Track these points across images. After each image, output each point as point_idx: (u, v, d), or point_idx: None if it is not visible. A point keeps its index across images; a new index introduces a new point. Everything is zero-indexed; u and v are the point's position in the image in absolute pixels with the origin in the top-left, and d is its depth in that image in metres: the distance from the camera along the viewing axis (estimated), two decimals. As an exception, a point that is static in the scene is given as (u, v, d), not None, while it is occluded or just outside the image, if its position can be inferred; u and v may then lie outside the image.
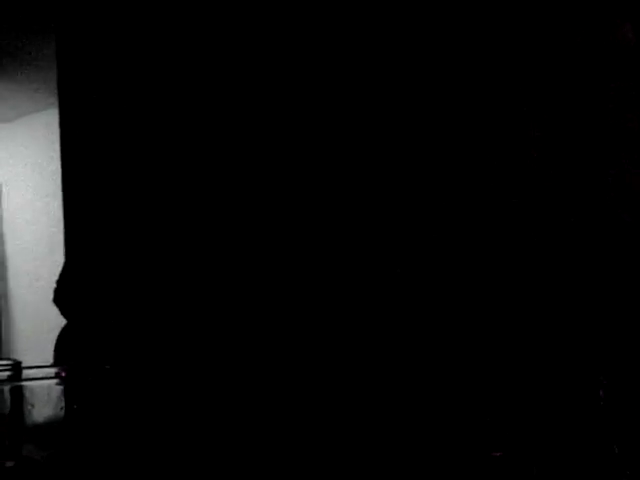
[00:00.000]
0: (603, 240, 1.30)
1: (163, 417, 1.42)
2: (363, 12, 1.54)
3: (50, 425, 0.95)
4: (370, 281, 1.46)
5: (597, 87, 1.33)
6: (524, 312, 1.32)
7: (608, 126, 1.32)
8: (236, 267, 1.61)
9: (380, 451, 1.30)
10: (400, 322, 1.41)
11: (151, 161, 1.79)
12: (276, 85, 1.62)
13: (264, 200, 1.61)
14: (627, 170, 1.30)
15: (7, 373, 1.01)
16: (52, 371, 1.02)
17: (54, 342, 1.71)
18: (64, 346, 1.69)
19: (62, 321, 1.74)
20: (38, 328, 3.82)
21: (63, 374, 0.99)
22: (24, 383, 0.96)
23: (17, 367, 1.03)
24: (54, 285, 1.79)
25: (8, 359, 1.05)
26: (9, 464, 0.93)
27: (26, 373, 1.01)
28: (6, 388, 0.94)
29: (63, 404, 0.95)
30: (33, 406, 0.94)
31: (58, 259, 2.02)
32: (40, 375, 1.00)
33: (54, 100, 2.20)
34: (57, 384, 0.96)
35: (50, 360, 1.67)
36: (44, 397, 0.95)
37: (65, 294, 1.76)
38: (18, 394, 0.94)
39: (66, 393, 0.95)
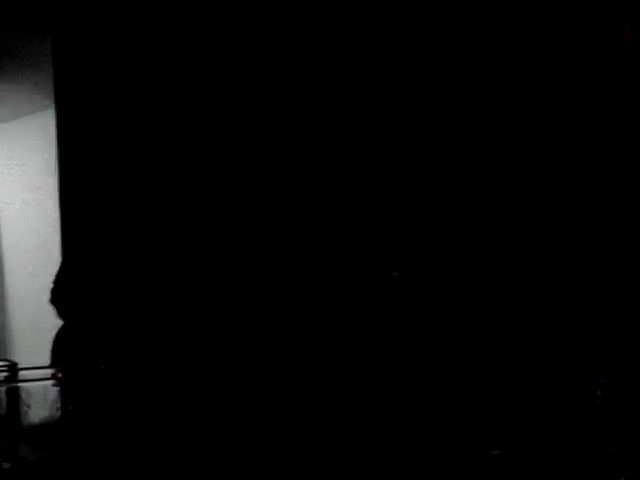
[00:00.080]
0: (600, 239, 1.30)
1: (160, 418, 1.42)
2: (363, 12, 1.54)
3: (46, 426, 0.95)
4: (367, 284, 1.46)
5: (596, 86, 1.33)
6: (522, 312, 1.32)
7: (607, 125, 1.32)
8: (233, 268, 1.61)
9: (379, 450, 1.30)
10: (397, 324, 1.41)
11: (148, 161, 1.79)
12: (276, 85, 1.62)
13: (262, 202, 1.61)
14: (625, 168, 1.30)
15: (3, 374, 1.00)
16: (48, 372, 1.02)
17: (51, 343, 1.71)
18: (61, 347, 1.69)
19: (59, 322, 1.74)
20: (35, 329, 3.82)
21: (59, 375, 0.99)
22: (20, 384, 0.96)
23: (13, 368, 1.03)
24: (51, 285, 1.79)
25: (4, 360, 1.05)
26: (5, 465, 0.92)
27: (22, 374, 1.01)
28: (2, 389, 0.94)
29: (59, 405, 0.95)
30: (29, 407, 0.94)
31: (55, 259, 2.02)
32: (36, 376, 0.99)
33: (51, 101, 2.19)
34: (53, 385, 0.96)
35: (46, 361, 1.67)
36: (40, 398, 0.94)
37: (62, 294, 1.76)
38: (14, 395, 0.94)
39: (62, 394, 0.95)
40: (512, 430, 1.20)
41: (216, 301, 1.61)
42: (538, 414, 1.20)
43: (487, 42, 1.41)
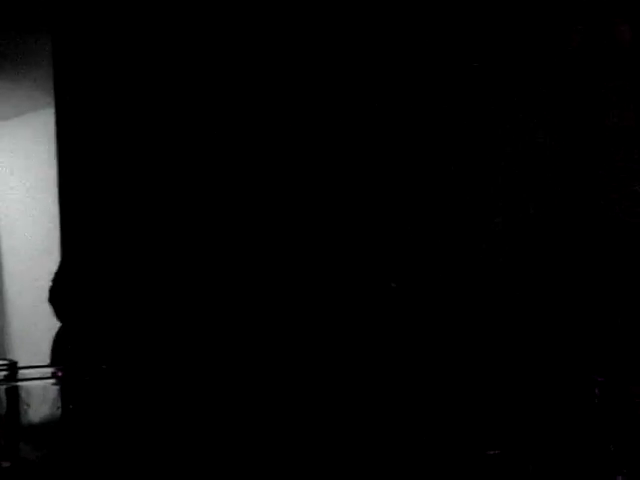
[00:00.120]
0: (600, 239, 1.30)
1: (161, 417, 1.42)
2: (363, 12, 1.54)
3: (46, 425, 0.95)
4: (365, 295, 1.46)
5: (595, 87, 1.33)
6: (519, 312, 1.33)
7: (606, 126, 1.32)
8: (234, 273, 1.61)
9: (377, 450, 1.30)
10: (396, 334, 1.41)
11: (149, 159, 1.79)
12: (276, 85, 1.62)
13: (263, 209, 1.61)
14: (625, 170, 1.30)
15: (3, 373, 1.00)
16: (48, 371, 1.02)
17: (50, 342, 1.71)
18: (60, 346, 1.69)
19: (58, 321, 1.74)
20: (34, 328, 3.82)
21: (59, 374, 0.99)
22: (20, 383, 0.96)
23: (13, 367, 1.03)
24: (50, 284, 1.79)
25: (4, 359, 1.05)
26: (5, 465, 0.93)
27: (22, 373, 1.01)
28: (2, 388, 0.94)
29: (60, 404, 0.95)
30: (29, 406, 0.94)
31: (54, 258, 2.02)
32: (36, 375, 0.99)
33: (50, 99, 2.19)
34: (53, 384, 0.96)
35: (46, 360, 1.67)
36: (40, 397, 0.94)
37: (61, 293, 1.76)
38: (14, 394, 0.94)
39: (63, 393, 0.95)
40: (510, 429, 1.20)
41: (216, 301, 1.61)
42: (536, 413, 1.20)
43: (486, 43, 1.41)
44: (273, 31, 1.62)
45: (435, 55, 1.45)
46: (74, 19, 1.98)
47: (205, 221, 1.68)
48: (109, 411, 0.99)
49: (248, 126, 1.65)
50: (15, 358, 1.07)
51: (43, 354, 1.71)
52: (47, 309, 1.75)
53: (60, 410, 0.95)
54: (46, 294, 1.76)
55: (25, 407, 0.94)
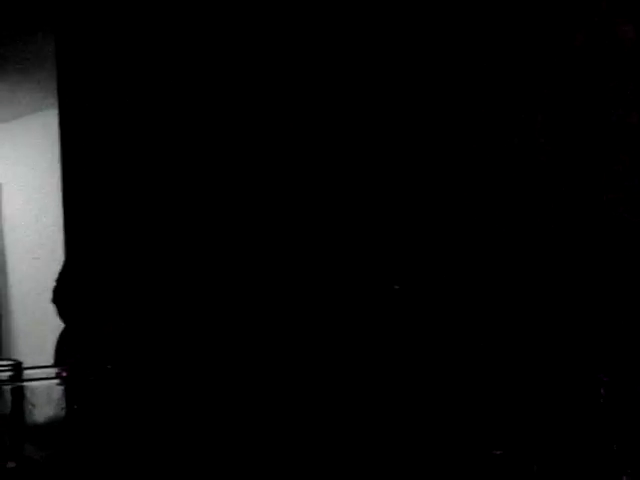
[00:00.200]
0: (603, 238, 1.30)
1: (165, 417, 1.42)
2: (363, 12, 1.54)
3: (51, 425, 0.95)
4: (368, 297, 1.46)
5: (598, 86, 1.33)
6: (525, 311, 1.32)
7: (608, 124, 1.32)
8: (236, 273, 1.61)
9: (381, 450, 1.30)
10: (399, 335, 1.41)
11: (151, 161, 1.79)
12: (276, 85, 1.62)
13: (265, 212, 1.61)
14: (628, 168, 1.30)
15: (8, 373, 1.01)
16: (53, 371, 1.02)
17: (55, 343, 1.71)
18: (65, 346, 1.69)
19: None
20: (39, 328, 3.82)
21: (64, 374, 1.00)
22: (25, 383, 0.96)
23: (18, 367, 1.03)
24: (53, 284, 1.79)
25: (9, 359, 1.05)
26: (10, 465, 0.93)
27: (27, 373, 1.01)
28: (7, 388, 0.95)
29: (64, 404, 0.95)
30: (34, 406, 0.94)
31: (58, 259, 2.02)
32: (41, 375, 1.00)
33: (54, 100, 2.20)
34: (58, 384, 0.96)
35: (51, 360, 1.67)
36: (45, 397, 0.95)
37: (64, 293, 1.76)
38: (19, 394, 0.94)
39: (67, 393, 0.95)
40: (515, 429, 1.20)
41: (221, 301, 1.61)
42: (541, 413, 1.20)
43: (487, 43, 1.41)
44: (275, 33, 1.62)
45: (441, 54, 1.45)
46: (77, 21, 1.99)
47: (210, 222, 1.68)
48: (114, 411, 0.99)
49: (252, 129, 1.65)
50: (20, 358, 1.07)
51: (48, 354, 1.72)
52: (51, 310, 1.75)
53: (65, 410, 0.95)
54: (50, 295, 1.76)
55: (30, 407, 0.94)
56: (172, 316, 1.64)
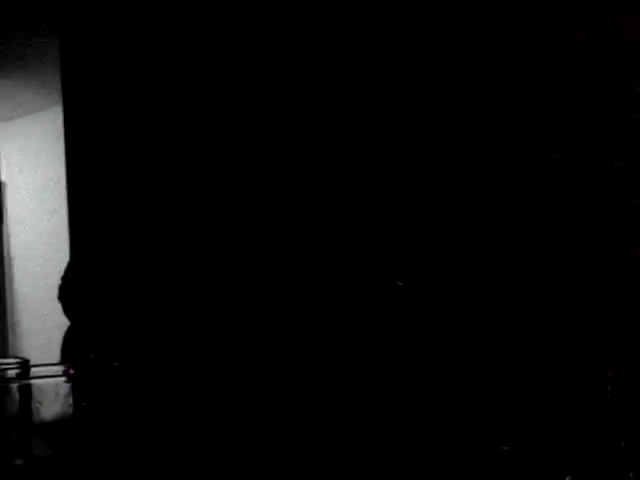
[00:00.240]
0: (611, 235, 1.30)
1: (171, 414, 1.42)
2: (363, 12, 1.53)
3: (58, 423, 0.95)
4: (371, 294, 1.46)
5: (602, 82, 1.33)
6: (531, 307, 1.32)
7: (614, 121, 1.32)
8: (239, 273, 1.61)
9: (388, 445, 1.30)
10: (403, 330, 1.41)
11: (155, 158, 1.80)
12: (276, 85, 1.62)
13: (269, 208, 1.61)
14: (635, 165, 1.30)
15: (15, 371, 1.01)
16: (60, 369, 1.02)
17: (61, 340, 1.72)
18: (71, 344, 1.69)
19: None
20: (45, 326, 3.83)
21: (71, 372, 1.00)
22: (32, 381, 0.96)
23: (25, 365, 1.03)
24: (59, 282, 1.79)
25: (16, 357, 1.05)
26: (18, 462, 0.93)
27: (34, 371, 1.01)
28: (14, 386, 0.95)
29: (71, 402, 0.95)
30: (41, 404, 0.94)
31: (63, 257, 2.02)
32: (48, 373, 1.00)
33: (58, 98, 2.20)
34: (65, 382, 0.96)
35: (57, 358, 1.68)
36: (52, 395, 0.95)
37: (70, 291, 1.76)
38: (26, 392, 0.94)
39: (74, 391, 0.95)
40: (521, 425, 1.20)
41: (225, 298, 1.61)
42: (547, 409, 1.20)
43: (488, 40, 1.41)
44: (275, 33, 1.62)
45: (442, 53, 1.45)
46: (81, 20, 1.99)
47: (214, 220, 1.68)
48: (121, 408, 0.99)
49: (253, 127, 1.65)
50: (27, 356, 1.07)
51: (54, 352, 1.72)
52: (58, 307, 1.75)
53: (72, 408, 0.95)
54: (56, 292, 1.77)
55: (37, 405, 0.94)
56: (178, 313, 1.64)
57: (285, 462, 1.33)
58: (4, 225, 4.65)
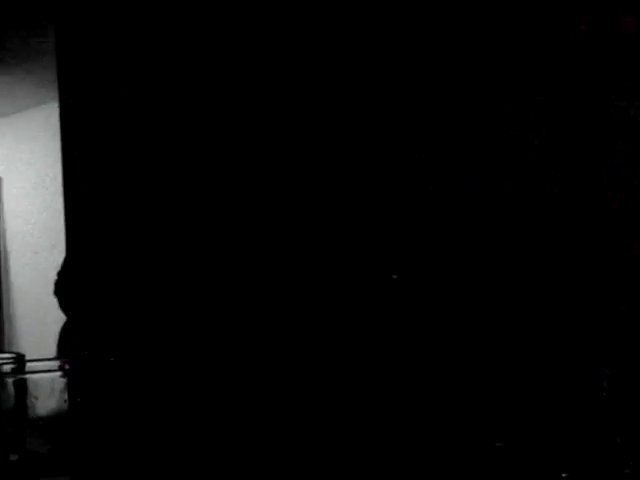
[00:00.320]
0: (606, 233, 1.30)
1: (168, 409, 1.42)
2: (362, 12, 1.53)
3: (54, 418, 0.95)
4: (366, 287, 1.46)
5: (600, 78, 1.33)
6: (526, 304, 1.32)
7: (609, 117, 1.32)
8: (237, 266, 1.61)
9: (382, 443, 1.30)
10: (398, 325, 1.41)
11: (152, 155, 1.79)
12: (276, 85, 1.62)
13: (265, 205, 1.61)
14: (630, 161, 1.30)
15: (11, 366, 1.01)
16: (56, 364, 1.02)
17: (57, 335, 1.71)
18: (67, 339, 1.69)
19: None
20: (41, 321, 3.83)
21: (67, 366, 1.00)
22: (28, 376, 0.96)
23: (21, 360, 1.03)
24: (55, 277, 1.79)
25: (11, 352, 1.05)
26: (13, 457, 0.93)
27: (30, 366, 1.01)
28: (10, 381, 0.95)
29: (67, 397, 0.95)
30: (37, 399, 0.94)
31: (59, 252, 2.02)
32: (44, 368, 1.00)
33: (54, 94, 2.19)
34: (61, 377, 0.96)
35: (53, 353, 1.67)
36: (48, 390, 0.95)
37: (66, 286, 1.76)
38: (22, 387, 0.94)
39: (70, 386, 0.95)
40: (517, 422, 1.20)
41: (221, 293, 1.61)
42: (543, 406, 1.20)
43: (486, 38, 1.41)
44: (275, 33, 1.62)
45: (443, 47, 1.45)
46: (78, 14, 1.98)
47: (210, 215, 1.68)
48: (116, 403, 0.99)
49: (251, 127, 1.65)
50: (22, 351, 1.07)
51: (50, 347, 1.72)
52: (54, 302, 1.75)
53: (67, 402, 0.95)
54: (52, 287, 1.76)
55: (33, 400, 0.94)
56: (174, 308, 1.64)
57: (280, 457, 1.33)
58: (0, 220, 4.64)
